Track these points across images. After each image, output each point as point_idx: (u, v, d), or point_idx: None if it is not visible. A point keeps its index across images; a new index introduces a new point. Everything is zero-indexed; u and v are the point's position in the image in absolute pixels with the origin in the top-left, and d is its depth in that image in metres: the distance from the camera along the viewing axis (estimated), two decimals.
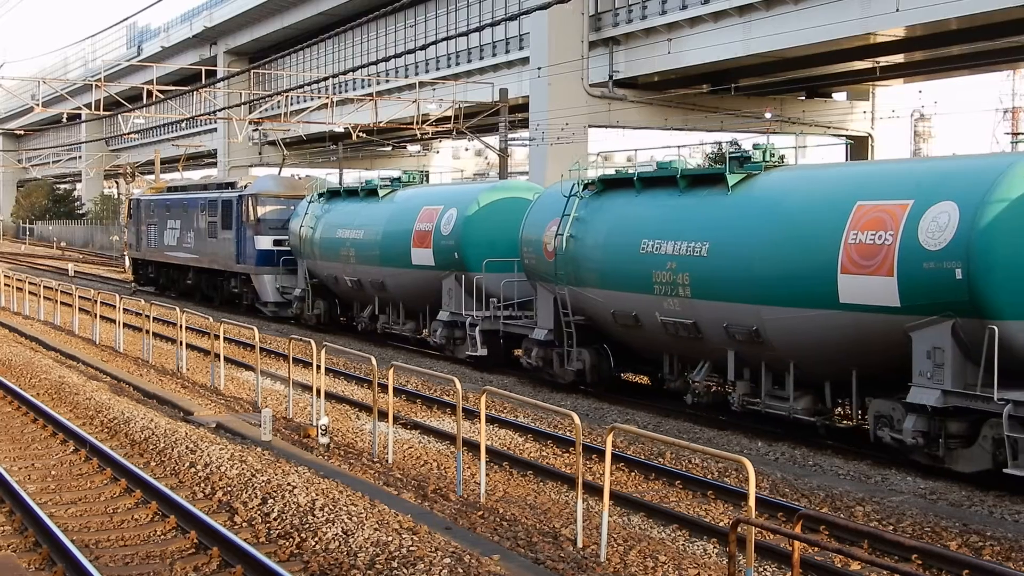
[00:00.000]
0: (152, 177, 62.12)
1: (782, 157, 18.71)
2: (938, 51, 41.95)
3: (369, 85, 57.19)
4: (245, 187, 36.83)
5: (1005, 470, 13.79)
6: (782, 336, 16.94)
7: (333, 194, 32.45)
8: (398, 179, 30.84)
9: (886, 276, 15.06)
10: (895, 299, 15.01)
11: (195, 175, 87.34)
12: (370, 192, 30.56)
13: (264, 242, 35.24)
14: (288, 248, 34.38)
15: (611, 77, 46.44)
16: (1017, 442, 13.53)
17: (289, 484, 12.81)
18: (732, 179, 18.34)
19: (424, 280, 26.76)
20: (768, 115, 49.64)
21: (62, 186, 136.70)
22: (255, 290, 35.91)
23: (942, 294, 14.51)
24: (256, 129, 57.79)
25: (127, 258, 53.96)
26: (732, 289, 17.53)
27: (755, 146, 18.91)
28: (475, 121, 47.73)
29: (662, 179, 19.93)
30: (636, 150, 23.42)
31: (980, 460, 14.38)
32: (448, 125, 48.39)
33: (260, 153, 78.24)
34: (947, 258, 14.40)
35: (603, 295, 20.45)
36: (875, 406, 15.68)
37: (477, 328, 24.49)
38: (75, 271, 57.63)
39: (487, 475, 13.79)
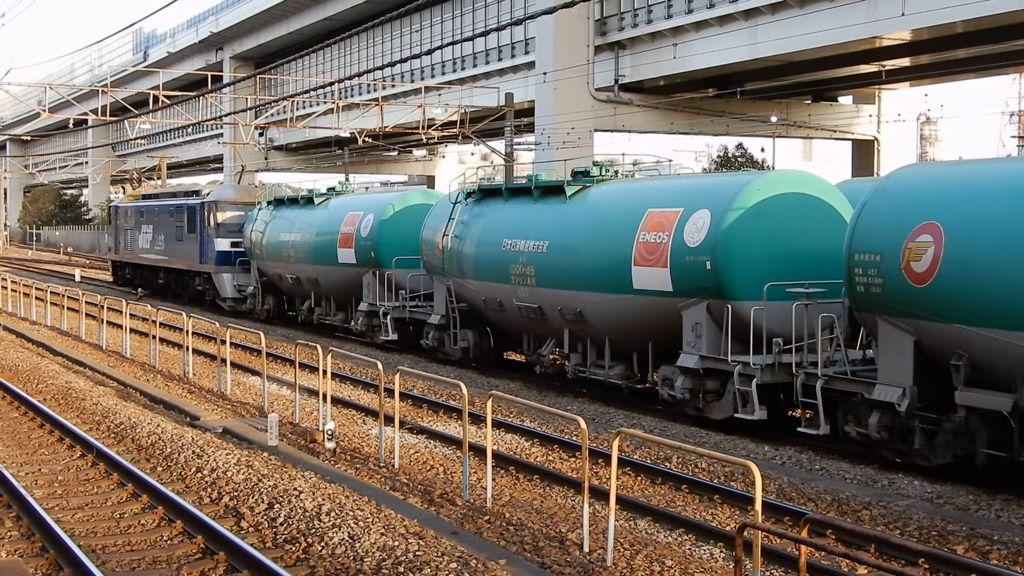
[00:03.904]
0: (159, 182, 62.29)
1: (616, 172, 22.74)
2: (944, 54, 41.92)
3: (375, 90, 57.23)
4: (207, 195, 40.77)
5: (735, 415, 17.72)
6: (598, 317, 20.81)
7: (279, 202, 36.13)
8: (332, 188, 35.14)
9: (663, 268, 18.97)
10: (669, 285, 18.89)
11: (202, 180, 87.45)
12: (308, 200, 34.53)
13: (223, 244, 39.04)
14: (243, 249, 38.11)
15: (617, 81, 46.42)
16: (746, 394, 17.41)
17: (295, 489, 12.81)
18: (570, 190, 22.25)
19: (349, 276, 30.63)
20: (774, 119, 49.61)
21: (68, 191, 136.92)
22: (215, 287, 39.43)
23: (699, 281, 18.35)
24: (262, 134, 57.94)
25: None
26: (563, 279, 21.44)
27: (594, 163, 23.09)
28: (481, 126, 47.75)
29: (524, 189, 23.91)
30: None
31: (726, 409, 18.12)
32: (454, 130, 48.41)
33: (266, 158, 78.32)
34: (701, 253, 18.26)
35: (477, 285, 24.35)
36: (662, 371, 19.37)
37: (388, 316, 28.22)
38: (81, 276, 57.69)
39: (493, 479, 13.79)
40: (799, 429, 16.86)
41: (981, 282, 13.76)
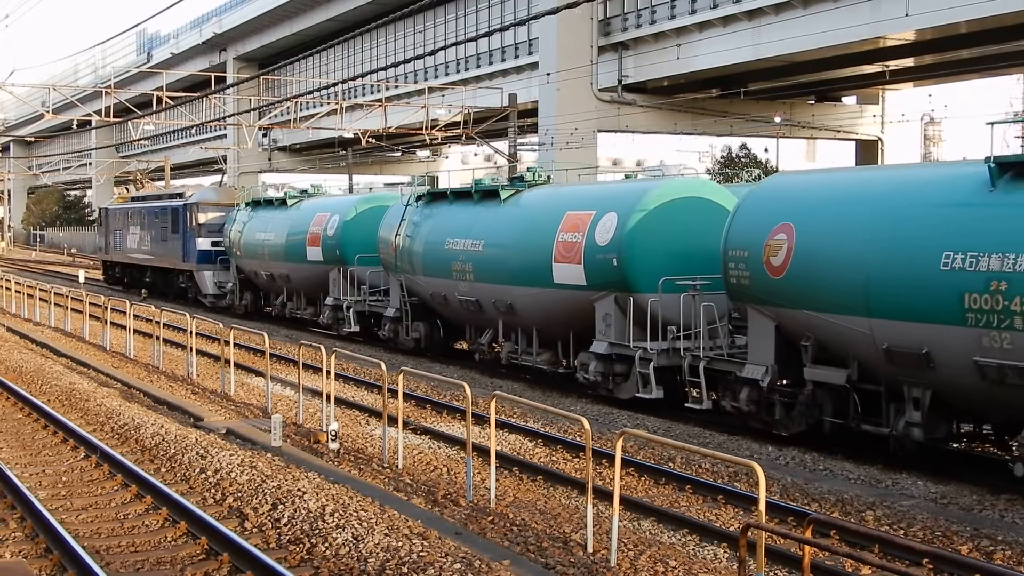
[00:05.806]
0: (162, 184, 62.34)
1: (548, 178, 24.75)
2: (948, 55, 41.88)
3: (378, 91, 57.23)
4: (190, 197, 43.06)
5: (636, 394, 19.79)
6: (526, 309, 22.81)
7: (256, 203, 38.24)
8: (304, 191, 37.30)
9: (578, 264, 20.97)
10: (583, 280, 20.92)
11: (206, 182, 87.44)
12: (282, 202, 36.64)
13: (204, 243, 41.28)
14: (223, 249, 40.20)
15: (620, 82, 46.40)
16: (647, 376, 19.48)
17: (299, 490, 12.81)
18: (504, 194, 24.25)
19: (317, 273, 32.82)
20: (778, 119, 49.58)
21: (72, 193, 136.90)
22: (197, 284, 41.68)
23: (607, 276, 20.36)
24: (266, 135, 57.96)
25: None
26: (496, 275, 23.36)
27: (528, 169, 25.26)
28: (484, 126, 47.75)
29: (466, 192, 25.63)
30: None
31: (631, 390, 20.17)
32: (457, 131, 48.43)
33: (270, 159, 78.32)
34: (609, 251, 20.25)
35: (425, 281, 26.31)
36: (580, 357, 21.27)
37: (351, 310, 30.41)
38: (86, 278, 57.73)
39: (497, 480, 13.79)
40: (686, 405, 19.23)
41: (821, 273, 15.91)
